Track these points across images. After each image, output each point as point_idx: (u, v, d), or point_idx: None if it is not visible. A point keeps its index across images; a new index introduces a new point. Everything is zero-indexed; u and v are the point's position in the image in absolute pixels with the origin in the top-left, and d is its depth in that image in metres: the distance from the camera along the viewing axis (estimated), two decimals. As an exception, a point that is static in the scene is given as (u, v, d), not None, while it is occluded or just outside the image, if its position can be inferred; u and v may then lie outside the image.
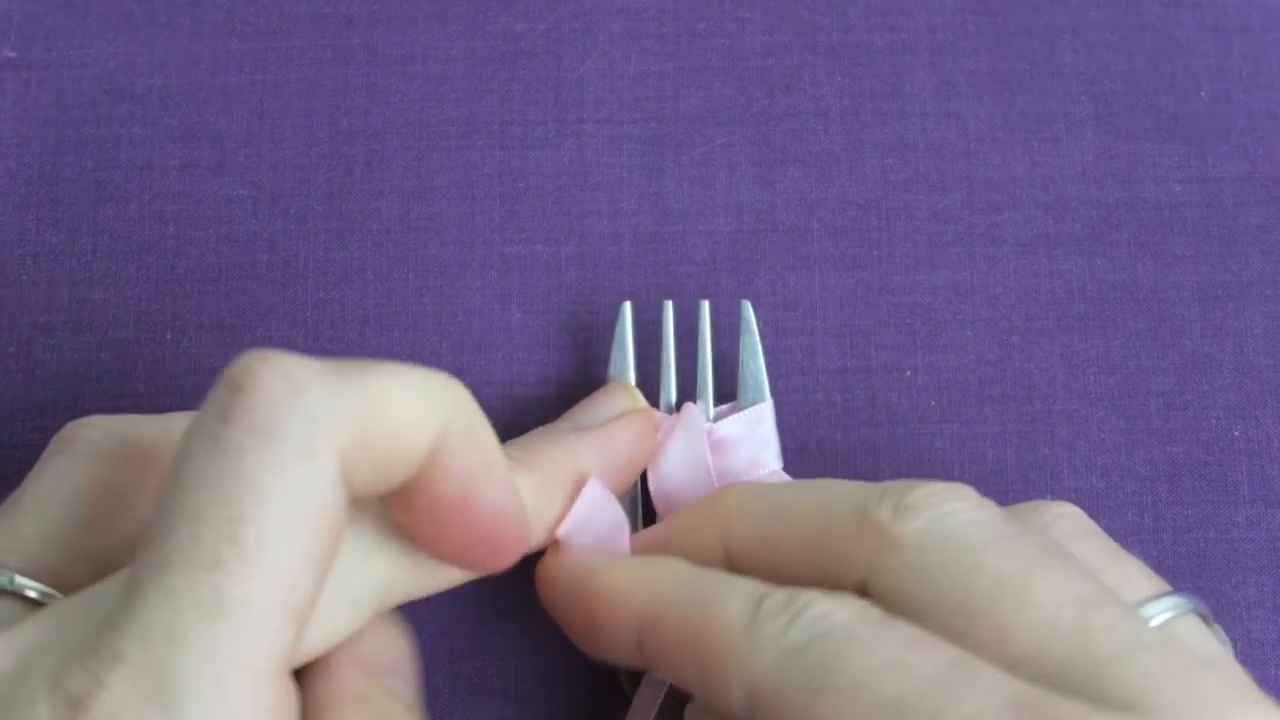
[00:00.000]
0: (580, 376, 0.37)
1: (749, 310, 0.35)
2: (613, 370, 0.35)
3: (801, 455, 0.36)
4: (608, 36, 0.40)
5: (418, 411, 0.25)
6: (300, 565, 0.24)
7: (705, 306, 0.35)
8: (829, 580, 0.27)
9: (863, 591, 0.27)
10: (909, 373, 0.37)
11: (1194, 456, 0.37)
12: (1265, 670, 0.35)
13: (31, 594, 0.27)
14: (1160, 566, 0.36)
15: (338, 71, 0.39)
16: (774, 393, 0.37)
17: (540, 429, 0.33)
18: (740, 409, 0.35)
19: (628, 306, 0.35)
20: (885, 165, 0.39)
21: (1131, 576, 0.28)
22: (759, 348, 0.35)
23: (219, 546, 0.23)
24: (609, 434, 0.33)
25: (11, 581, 0.27)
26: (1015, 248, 0.38)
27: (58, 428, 0.30)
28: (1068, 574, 0.25)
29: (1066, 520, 0.29)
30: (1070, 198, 0.39)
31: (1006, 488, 0.36)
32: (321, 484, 0.24)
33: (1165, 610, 0.27)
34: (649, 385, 0.36)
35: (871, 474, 0.36)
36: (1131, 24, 0.40)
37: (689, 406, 0.35)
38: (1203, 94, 0.39)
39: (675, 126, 0.39)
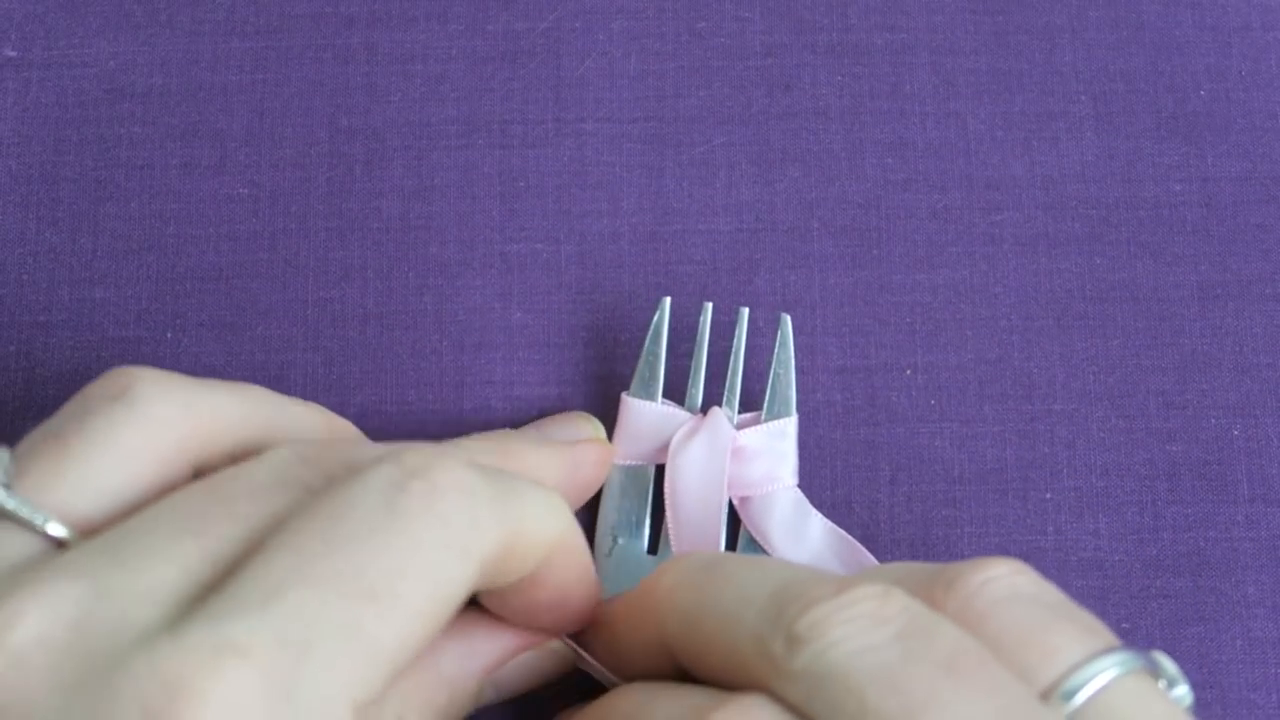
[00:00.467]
0: (580, 375, 0.37)
1: (788, 324, 0.35)
2: (644, 362, 0.35)
3: (801, 455, 0.36)
4: (608, 36, 0.40)
5: (545, 533, 0.28)
6: (422, 634, 0.25)
7: (744, 314, 0.36)
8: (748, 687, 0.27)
9: None
10: (909, 372, 0.37)
11: (1193, 456, 0.37)
12: (1266, 669, 0.36)
13: (62, 536, 0.26)
14: (1160, 565, 0.36)
15: (338, 70, 0.39)
16: (774, 392, 0.37)
17: (510, 432, 0.34)
18: (764, 420, 0.35)
19: (667, 302, 0.36)
20: (885, 165, 0.39)
21: (1060, 645, 0.26)
22: (792, 362, 0.35)
23: (377, 586, 0.24)
24: (580, 453, 0.34)
25: (45, 523, 0.26)
26: (1015, 247, 0.38)
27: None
28: (962, 702, 0.24)
29: (993, 586, 0.27)
30: (1070, 197, 0.39)
31: (1006, 487, 0.36)
32: (466, 578, 0.26)
33: (1102, 671, 0.26)
34: (672, 383, 0.36)
35: (871, 473, 0.36)
36: (1131, 23, 0.40)
37: (715, 410, 0.35)
38: (1202, 93, 0.39)
39: (675, 126, 0.39)
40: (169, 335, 0.37)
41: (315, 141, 0.39)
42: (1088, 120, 0.39)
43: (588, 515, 0.36)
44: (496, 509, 0.27)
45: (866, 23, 0.40)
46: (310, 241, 0.38)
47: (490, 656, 0.30)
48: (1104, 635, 0.27)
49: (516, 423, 0.37)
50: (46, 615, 0.24)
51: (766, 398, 0.35)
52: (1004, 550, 0.36)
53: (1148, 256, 0.38)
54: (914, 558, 0.36)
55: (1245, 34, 0.40)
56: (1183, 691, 0.27)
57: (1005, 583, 0.27)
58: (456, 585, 0.26)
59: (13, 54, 0.39)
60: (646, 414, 0.35)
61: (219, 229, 0.38)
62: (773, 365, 0.35)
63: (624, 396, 0.35)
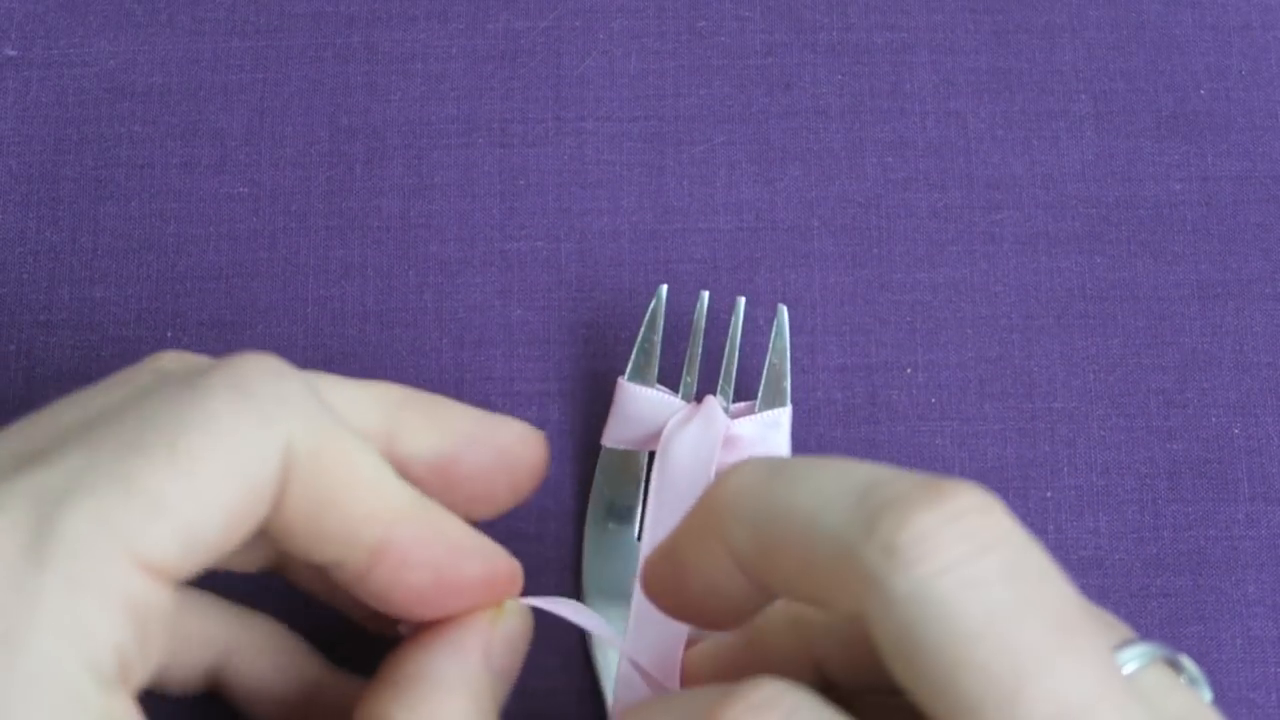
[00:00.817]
0: (580, 372, 0.37)
1: (784, 315, 0.35)
2: (639, 348, 0.35)
3: (802, 452, 0.36)
4: (608, 35, 0.40)
5: (378, 481, 0.27)
6: (221, 499, 0.24)
7: (741, 303, 0.36)
8: (828, 605, 0.24)
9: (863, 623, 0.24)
10: (909, 370, 0.37)
11: (1194, 454, 0.37)
12: (1265, 668, 0.36)
13: None
14: (1160, 564, 0.36)
15: (338, 70, 0.39)
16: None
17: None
18: (758, 410, 0.35)
19: (664, 290, 0.35)
20: (885, 164, 0.39)
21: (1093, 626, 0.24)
22: (788, 353, 0.35)
23: (153, 441, 0.24)
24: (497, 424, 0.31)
25: None
26: (1015, 246, 0.38)
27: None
28: (1069, 669, 0.22)
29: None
30: (1070, 196, 0.39)
31: (1007, 485, 0.36)
32: (266, 450, 0.25)
33: (1130, 661, 0.25)
34: (670, 371, 0.36)
35: (871, 471, 0.36)
36: (1131, 22, 0.40)
37: (709, 399, 0.35)
38: (1202, 92, 0.39)
39: (675, 124, 0.39)
40: (169, 334, 0.37)
41: (315, 140, 0.39)
42: (1088, 119, 0.39)
43: (580, 499, 0.36)
44: (310, 396, 0.26)
45: (867, 22, 0.40)
46: (310, 240, 0.38)
47: (474, 644, 0.29)
48: (1122, 627, 0.26)
49: (517, 418, 0.37)
50: None
51: (761, 388, 0.35)
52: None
53: (1148, 255, 0.38)
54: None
55: (1245, 33, 0.40)
56: (1204, 696, 0.26)
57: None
58: (255, 448, 0.24)
59: (13, 53, 0.39)
60: (640, 399, 0.35)
61: (219, 228, 0.38)
62: (769, 355, 0.35)
63: (620, 380, 0.35)
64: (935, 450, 0.37)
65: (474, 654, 0.29)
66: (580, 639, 0.35)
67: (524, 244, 0.38)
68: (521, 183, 0.38)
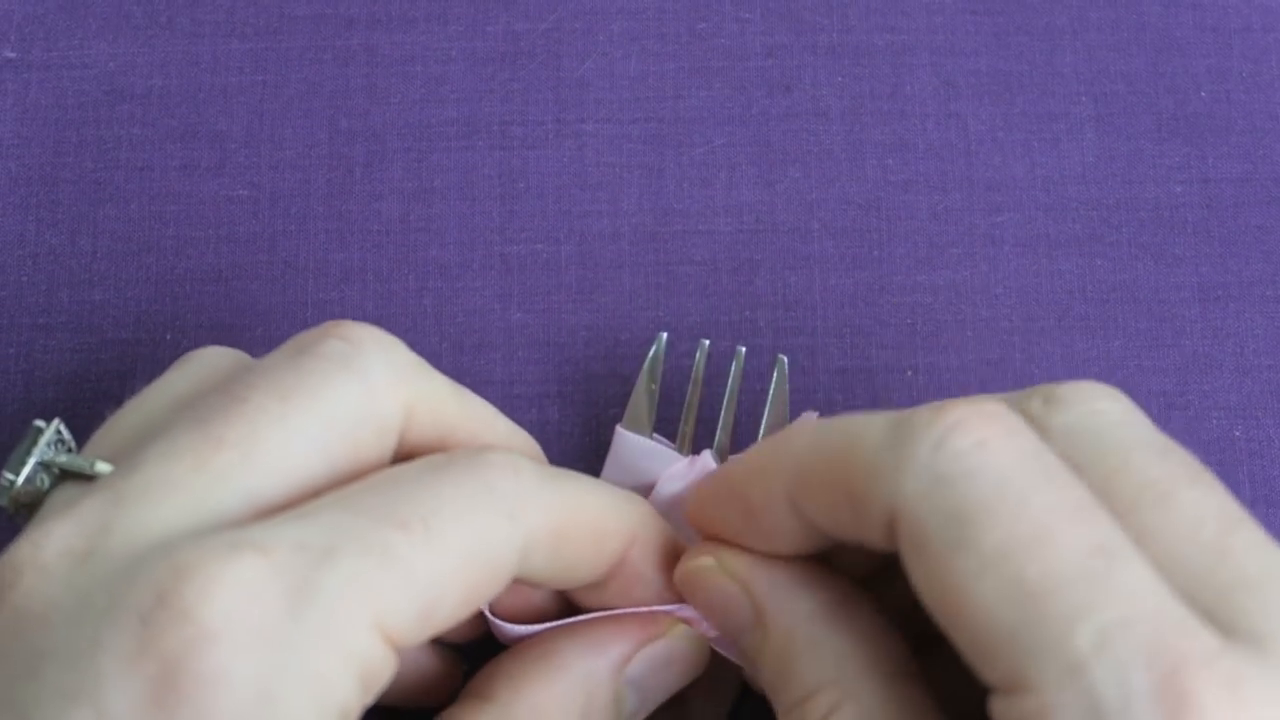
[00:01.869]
0: (580, 375, 0.37)
1: (784, 366, 0.35)
2: (636, 396, 0.35)
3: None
4: (608, 37, 0.40)
5: (607, 522, 0.28)
6: (462, 576, 0.25)
7: (741, 353, 0.35)
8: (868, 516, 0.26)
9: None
10: (910, 373, 0.37)
11: (1195, 457, 0.37)
12: (1266, 671, 0.35)
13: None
14: (1161, 567, 0.36)
15: (338, 72, 0.39)
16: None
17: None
18: None
19: (664, 337, 0.35)
20: (885, 166, 0.39)
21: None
22: (787, 404, 0.35)
23: (410, 517, 0.25)
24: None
25: (94, 466, 0.26)
26: (1016, 248, 0.38)
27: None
28: (1213, 489, 0.24)
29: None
30: (1070, 198, 0.39)
31: (1007, 488, 0.36)
32: (508, 538, 0.26)
33: None
34: (666, 418, 0.35)
35: (872, 474, 0.36)
36: (1131, 24, 0.40)
37: (705, 455, 0.34)
38: (1203, 94, 0.39)
39: (675, 126, 0.39)
40: (168, 337, 0.37)
41: (315, 143, 0.39)
42: (1088, 121, 0.39)
43: None
44: (546, 485, 0.27)
45: (867, 24, 0.40)
46: (310, 243, 0.38)
47: (616, 648, 0.29)
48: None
49: (516, 420, 0.36)
50: (70, 529, 0.24)
51: (761, 435, 0.35)
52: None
53: (1148, 258, 0.38)
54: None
55: (1246, 35, 0.40)
56: None
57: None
58: (498, 540, 0.26)
59: (12, 55, 0.39)
60: (637, 449, 0.34)
61: (218, 231, 0.38)
62: (767, 407, 0.35)
63: (617, 428, 0.35)
64: (936, 453, 0.37)
65: (610, 656, 0.29)
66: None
67: (524, 246, 0.38)
68: (521, 185, 0.38)
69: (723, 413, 0.35)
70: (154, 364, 0.37)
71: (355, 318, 0.37)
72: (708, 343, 0.35)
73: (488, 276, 0.38)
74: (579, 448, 0.36)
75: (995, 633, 0.22)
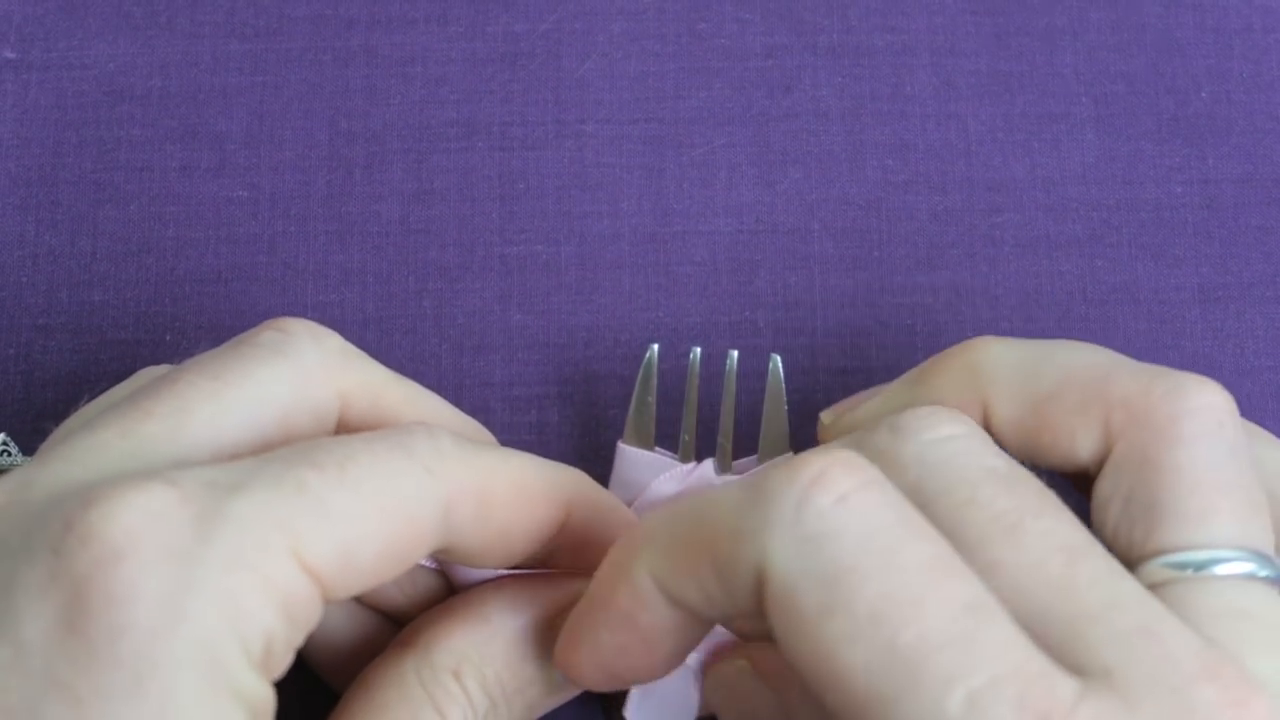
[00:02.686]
0: (580, 376, 0.37)
1: (778, 364, 0.35)
2: (634, 410, 0.34)
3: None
4: (608, 37, 0.40)
5: (537, 482, 0.28)
6: (379, 523, 0.25)
7: (733, 357, 0.35)
8: (1073, 441, 0.27)
9: (1100, 458, 0.27)
10: (910, 374, 0.37)
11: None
12: (1267, 672, 0.35)
13: None
14: (1161, 568, 0.36)
15: (338, 73, 0.39)
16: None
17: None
18: (761, 462, 0.34)
19: (655, 349, 0.35)
20: (886, 166, 0.39)
21: (1213, 515, 0.26)
22: (784, 403, 0.35)
23: (325, 461, 0.25)
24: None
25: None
26: (1016, 249, 0.38)
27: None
28: (1059, 518, 0.25)
29: (1195, 419, 0.27)
30: (1071, 199, 0.39)
31: (1007, 489, 0.36)
32: (427, 496, 0.26)
33: (1221, 564, 0.25)
34: (666, 426, 0.35)
35: (872, 475, 0.36)
36: (1132, 25, 0.40)
37: (706, 463, 0.34)
38: (1203, 95, 0.39)
39: (675, 127, 0.39)
40: (168, 338, 0.37)
41: (315, 144, 0.39)
42: (1088, 122, 0.39)
43: None
44: (465, 448, 0.27)
45: (867, 24, 0.40)
46: (310, 245, 0.38)
47: (542, 604, 0.29)
48: (1258, 527, 0.26)
49: (516, 422, 0.37)
50: None
51: (760, 441, 0.34)
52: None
53: (1148, 258, 0.38)
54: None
55: (1246, 36, 0.40)
56: None
57: (1204, 419, 0.27)
58: (415, 490, 0.26)
59: (12, 56, 0.39)
60: (640, 463, 0.34)
61: (218, 232, 0.38)
62: (765, 406, 0.35)
63: (618, 444, 0.34)
64: (936, 454, 0.37)
65: (535, 611, 0.29)
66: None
67: (523, 248, 0.38)
68: (521, 186, 0.38)
69: (721, 419, 0.35)
70: (154, 364, 0.37)
71: (355, 319, 0.37)
72: (699, 350, 0.35)
73: (487, 277, 0.38)
74: (579, 448, 0.36)
75: (870, 700, 0.22)
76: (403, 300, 0.38)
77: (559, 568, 0.30)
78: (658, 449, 0.34)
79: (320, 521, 0.24)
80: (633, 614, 0.26)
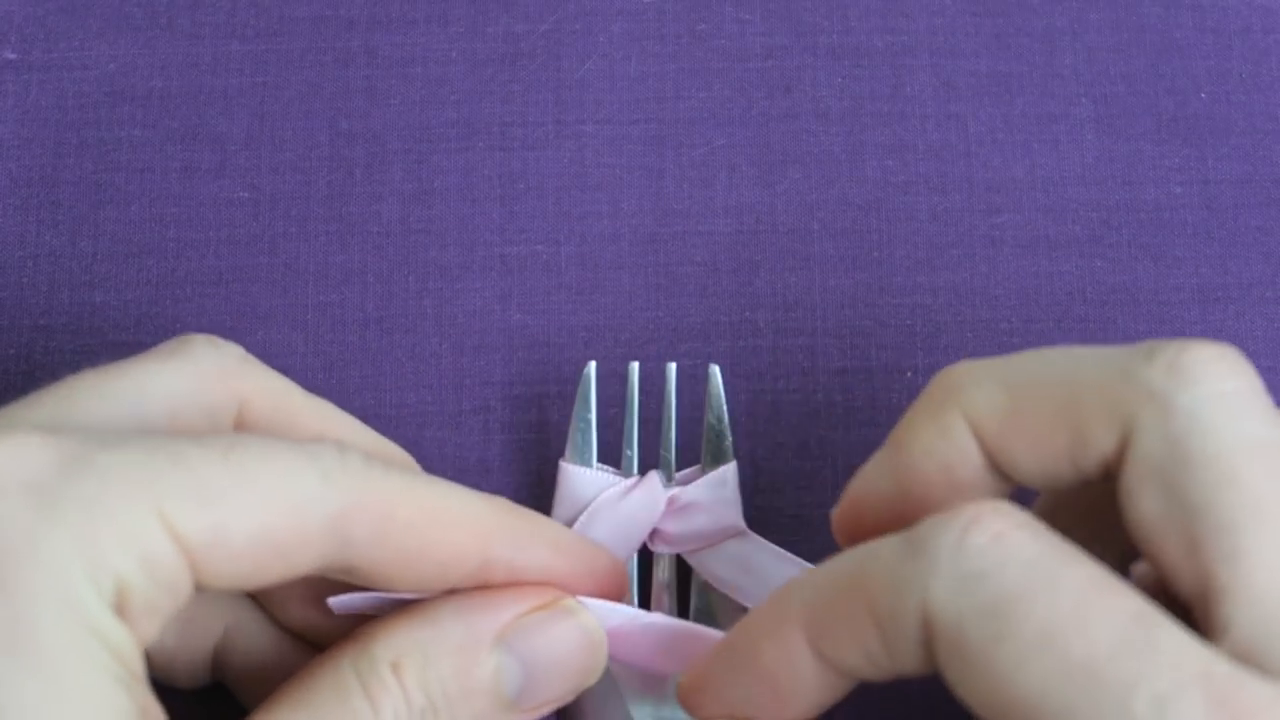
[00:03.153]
0: (581, 375, 0.37)
1: (716, 374, 0.35)
2: (575, 428, 0.34)
3: (802, 454, 0.36)
4: (608, 38, 0.40)
5: (453, 510, 0.28)
6: (258, 513, 0.25)
7: (672, 369, 0.35)
8: (1083, 441, 0.25)
9: (1118, 457, 0.25)
10: (909, 374, 0.37)
11: None
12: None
13: None
14: (1161, 568, 0.36)
15: (338, 74, 0.39)
16: (775, 391, 0.37)
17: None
18: (705, 471, 0.34)
19: (592, 366, 0.34)
20: (885, 167, 0.39)
21: None
22: (725, 411, 0.34)
23: (212, 444, 0.25)
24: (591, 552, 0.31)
25: None
26: (1015, 249, 0.38)
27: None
28: None
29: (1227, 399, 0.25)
30: (1070, 200, 0.39)
31: (1007, 489, 0.36)
32: (317, 495, 0.26)
33: None
34: (612, 445, 0.35)
35: (872, 474, 0.36)
36: (1131, 26, 0.40)
37: (651, 476, 0.34)
38: (1203, 96, 0.39)
39: (675, 127, 0.39)
40: (169, 339, 0.37)
41: (315, 145, 0.39)
42: (1088, 123, 0.39)
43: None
44: (374, 467, 0.27)
45: (867, 25, 0.40)
46: (310, 245, 0.38)
47: (492, 613, 0.28)
48: None
49: (515, 421, 0.36)
50: None
51: (703, 450, 0.34)
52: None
53: (1148, 259, 0.38)
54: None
55: (1246, 37, 0.40)
56: None
57: None
58: (305, 491, 0.25)
59: (13, 56, 0.39)
60: (583, 481, 0.34)
61: (219, 233, 0.38)
62: (706, 417, 0.34)
63: (560, 463, 0.34)
64: (936, 454, 0.37)
65: (486, 620, 0.28)
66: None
67: (524, 248, 0.38)
68: (521, 186, 0.38)
69: (663, 432, 0.35)
70: (154, 365, 0.37)
71: (356, 318, 0.37)
72: (637, 365, 0.35)
73: (488, 277, 0.38)
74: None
75: (1050, 716, 0.23)
76: (403, 300, 0.38)
77: None
78: (600, 465, 0.34)
79: (192, 492, 0.24)
80: (776, 672, 0.27)
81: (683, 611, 0.34)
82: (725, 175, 0.39)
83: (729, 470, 0.34)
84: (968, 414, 0.27)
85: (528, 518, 0.29)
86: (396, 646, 0.28)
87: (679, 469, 0.35)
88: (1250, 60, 0.40)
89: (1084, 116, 0.39)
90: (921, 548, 0.24)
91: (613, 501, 0.34)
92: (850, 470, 0.36)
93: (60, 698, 0.23)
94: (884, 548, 0.25)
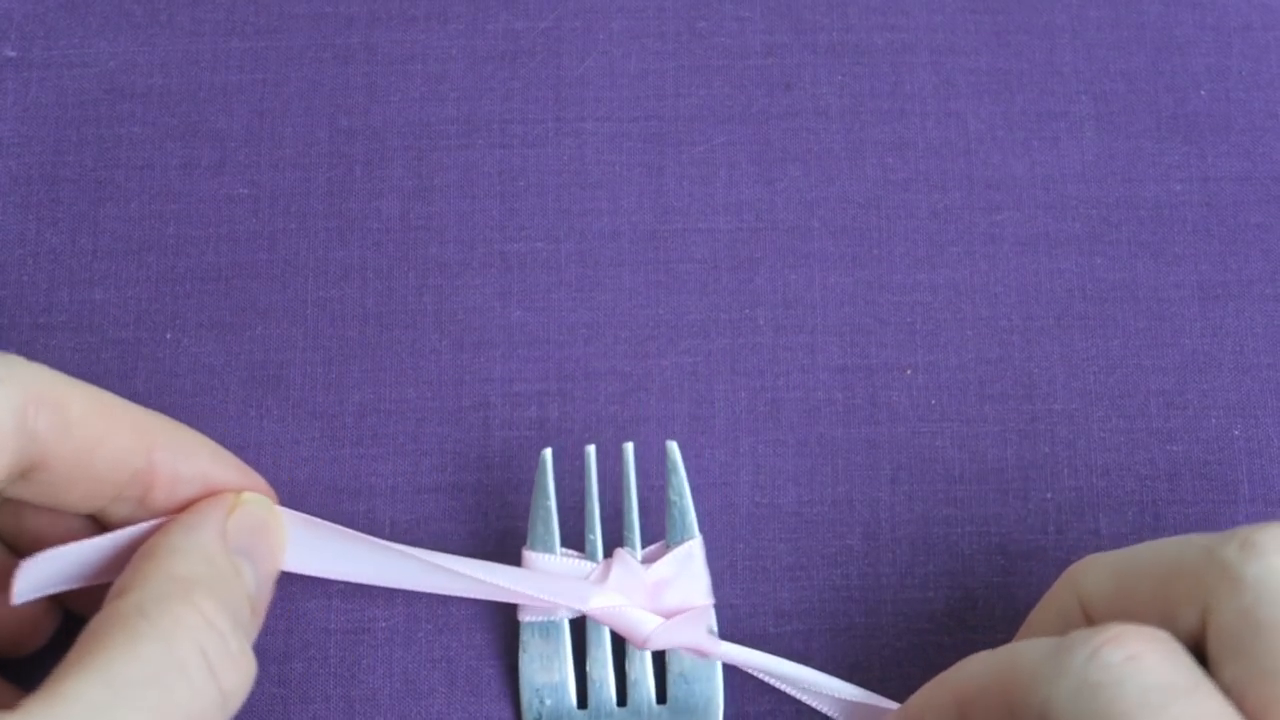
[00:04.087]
0: (580, 373, 0.37)
1: (675, 451, 0.34)
2: (535, 516, 0.34)
3: (802, 452, 0.36)
4: (608, 35, 0.40)
5: (118, 407, 0.31)
6: None
7: (629, 450, 0.34)
8: (1172, 620, 0.27)
9: (1203, 630, 0.27)
10: (909, 371, 0.37)
11: (1194, 456, 0.37)
12: (1266, 669, 0.35)
13: None
14: (1161, 565, 0.36)
15: (338, 70, 0.39)
16: (775, 389, 0.37)
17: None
18: (670, 548, 0.34)
19: (548, 454, 0.34)
20: (885, 164, 0.39)
21: None
22: (686, 487, 0.34)
23: None
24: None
25: None
26: (1015, 247, 0.38)
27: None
28: None
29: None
30: (1070, 197, 0.39)
31: (1007, 486, 0.36)
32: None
33: None
34: (576, 529, 0.35)
35: (873, 471, 0.36)
36: (1131, 23, 0.40)
37: (619, 552, 0.34)
38: (1203, 93, 0.39)
39: (675, 125, 0.39)
40: (168, 336, 0.37)
41: (315, 141, 0.39)
42: (1088, 120, 0.39)
43: (510, 681, 0.35)
44: (42, 368, 0.29)
45: (867, 22, 0.40)
46: (310, 241, 0.38)
47: (210, 521, 0.31)
48: None
49: (515, 419, 0.37)
50: None
51: (668, 525, 0.34)
52: (1004, 550, 0.36)
53: (1148, 256, 0.38)
54: (914, 557, 0.36)
55: (1246, 34, 0.40)
56: None
57: None
58: None
59: (12, 54, 0.39)
60: (548, 567, 0.34)
61: (219, 229, 0.38)
62: (668, 494, 0.34)
63: (524, 551, 0.34)
64: (935, 451, 0.37)
65: (209, 528, 0.30)
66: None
67: (524, 245, 0.38)
68: (521, 183, 0.38)
69: (624, 514, 0.34)
70: (155, 363, 0.37)
71: (355, 315, 0.37)
72: (593, 448, 0.34)
73: (487, 274, 0.38)
74: (578, 445, 0.36)
75: None
76: (403, 296, 0.38)
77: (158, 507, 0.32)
78: (564, 550, 0.34)
79: None
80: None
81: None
82: (725, 172, 0.39)
83: (695, 545, 0.34)
84: (1081, 596, 0.29)
85: (189, 430, 0.32)
86: (169, 582, 0.29)
87: (645, 545, 0.34)
88: (1250, 57, 0.40)
89: (1084, 114, 0.39)
90: (1064, 651, 0.26)
91: (597, 587, 0.33)
92: (850, 469, 0.36)
93: None
94: (1038, 645, 0.27)
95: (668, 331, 0.37)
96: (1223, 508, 0.36)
